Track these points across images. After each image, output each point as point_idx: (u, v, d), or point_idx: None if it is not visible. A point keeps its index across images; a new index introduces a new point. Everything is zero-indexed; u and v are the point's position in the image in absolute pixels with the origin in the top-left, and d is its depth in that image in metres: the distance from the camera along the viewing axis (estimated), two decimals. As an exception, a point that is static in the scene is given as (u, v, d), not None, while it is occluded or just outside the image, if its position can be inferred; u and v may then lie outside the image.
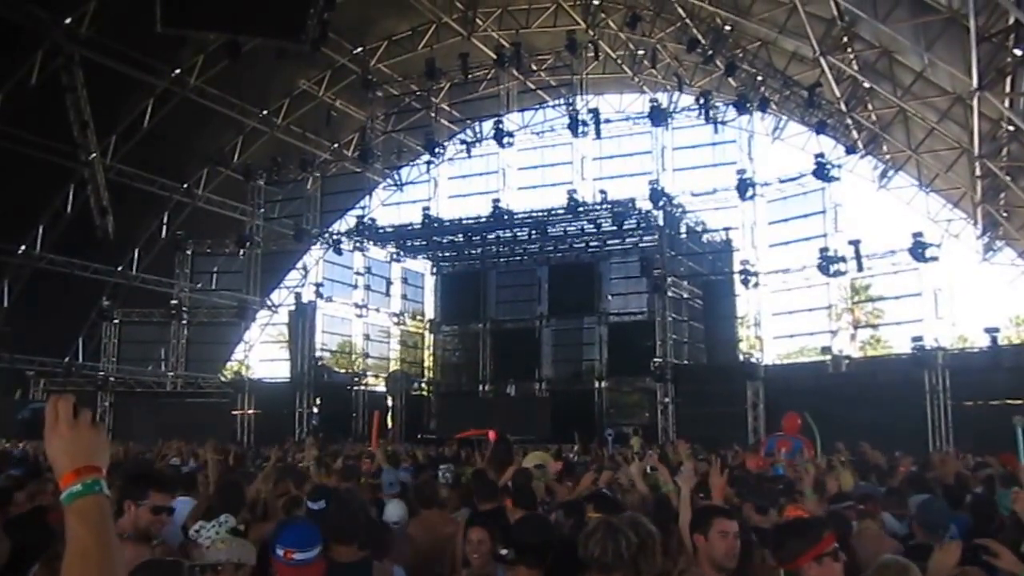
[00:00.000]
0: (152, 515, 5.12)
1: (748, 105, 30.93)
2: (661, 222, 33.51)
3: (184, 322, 38.39)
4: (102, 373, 35.91)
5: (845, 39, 26.54)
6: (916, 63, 25.50)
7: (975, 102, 23.39)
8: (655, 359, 32.70)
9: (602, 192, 34.34)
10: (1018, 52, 20.46)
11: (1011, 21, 19.39)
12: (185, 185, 37.10)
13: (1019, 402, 27.14)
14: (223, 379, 40.03)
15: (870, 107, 30.41)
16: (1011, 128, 24.21)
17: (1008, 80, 21.97)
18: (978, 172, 27.59)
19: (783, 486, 8.54)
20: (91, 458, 2.18)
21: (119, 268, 36.14)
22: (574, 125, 32.96)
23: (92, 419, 2.25)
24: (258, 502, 7.98)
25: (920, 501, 7.58)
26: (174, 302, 37.73)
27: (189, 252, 38.45)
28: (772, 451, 11.78)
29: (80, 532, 2.08)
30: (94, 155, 30.85)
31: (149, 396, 35.80)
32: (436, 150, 36.01)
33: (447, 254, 42.54)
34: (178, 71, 32.57)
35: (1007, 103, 22.73)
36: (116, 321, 37.00)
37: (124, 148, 33.23)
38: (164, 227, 38.14)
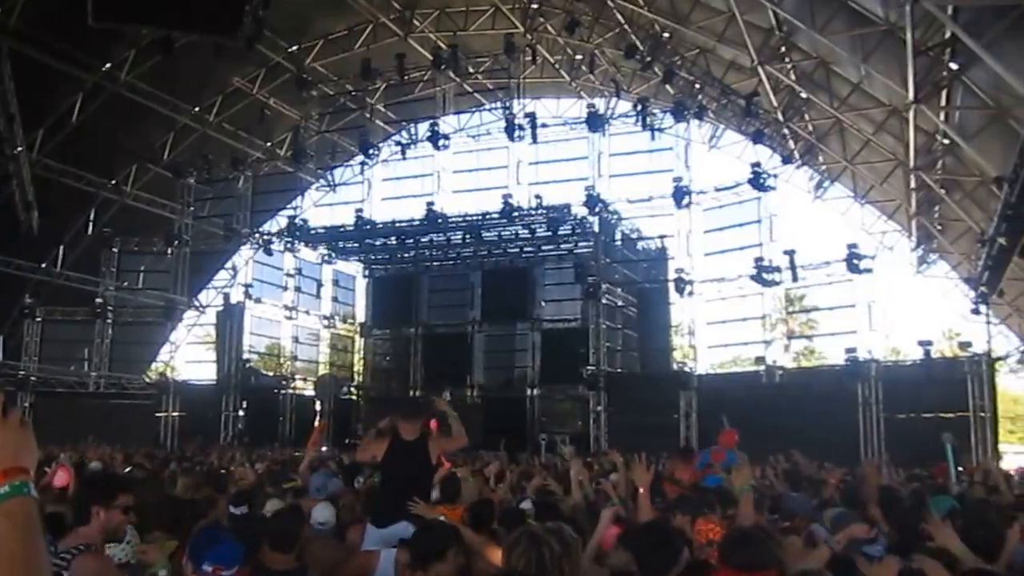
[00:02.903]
0: (123, 515, 5.10)
1: (685, 113, 31.16)
2: (596, 228, 33.62)
3: (109, 321, 37.83)
4: (22, 372, 35.30)
5: (783, 49, 26.87)
6: (853, 74, 25.87)
7: (911, 115, 23.73)
8: (588, 367, 32.77)
9: (537, 197, 34.32)
10: (954, 66, 20.79)
11: (947, 35, 19.71)
12: (113, 182, 36.60)
13: (951, 415, 27.72)
14: (147, 380, 39.50)
15: (807, 117, 30.75)
16: (946, 141, 24.61)
17: (944, 93, 22.33)
18: (913, 184, 28.00)
19: (718, 497, 8.55)
20: (18, 459, 2.18)
21: (43, 265, 35.58)
22: (510, 129, 32.99)
23: (20, 420, 2.25)
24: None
25: (835, 514, 7.66)
26: (99, 301, 37.22)
27: (116, 250, 37.88)
28: (706, 462, 11.82)
29: (7, 534, 2.06)
30: (20, 149, 30.38)
31: (70, 397, 35.22)
32: (370, 151, 35.95)
33: (379, 257, 42.22)
34: (108, 66, 32.16)
35: (942, 116, 23.11)
36: (39, 319, 36.50)
37: (51, 143, 32.74)
38: (91, 224, 37.62)
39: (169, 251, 37.95)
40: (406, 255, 41.32)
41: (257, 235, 38.83)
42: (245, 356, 37.81)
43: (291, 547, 5.79)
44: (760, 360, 33.12)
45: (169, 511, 6.97)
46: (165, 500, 7.75)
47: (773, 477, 12.64)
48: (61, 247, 36.31)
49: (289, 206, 41.57)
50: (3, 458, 2.16)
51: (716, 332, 35.65)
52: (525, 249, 38.56)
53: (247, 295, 38.40)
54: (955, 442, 12.15)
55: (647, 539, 5.19)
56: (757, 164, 31.16)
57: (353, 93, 36.79)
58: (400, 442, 8.68)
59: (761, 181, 30.97)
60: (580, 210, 33.07)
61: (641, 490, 6.97)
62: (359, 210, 37.16)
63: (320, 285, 41.82)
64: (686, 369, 34.00)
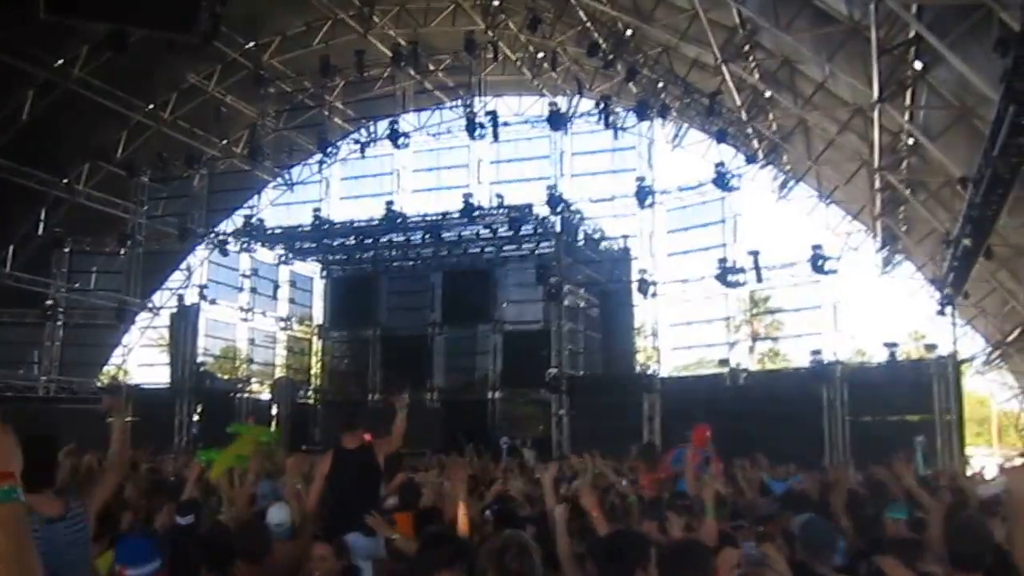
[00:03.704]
0: None
1: (648, 111, 31.27)
2: (559, 228, 33.60)
3: (60, 324, 37.52)
4: (-30, 376, 35.01)
5: (747, 47, 26.95)
6: (817, 74, 26.04)
7: (875, 114, 23.86)
8: (550, 369, 32.77)
9: (499, 196, 34.32)
10: (918, 65, 20.97)
11: (912, 34, 19.88)
12: (65, 180, 36.36)
13: (917, 418, 27.94)
14: (99, 384, 39.24)
15: (771, 116, 30.89)
16: (911, 141, 24.78)
17: (908, 93, 22.51)
18: (878, 185, 28.16)
19: (689, 503, 8.54)
20: (5, 464, 2.24)
21: (-9, 265, 35.39)
22: (471, 127, 33.02)
23: (2, 427, 2.29)
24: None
25: (803, 521, 7.67)
26: (49, 303, 36.94)
27: (67, 250, 37.64)
28: (679, 462, 11.79)
29: None
30: (-32, 147, 30.35)
31: (18, 401, 34.82)
32: (329, 150, 35.94)
33: (338, 257, 42.03)
34: (61, 62, 31.97)
35: (907, 116, 23.27)
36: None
37: (1, 140, 32.53)
38: (41, 223, 37.35)
39: (122, 251, 37.72)
40: (365, 255, 41.11)
41: (212, 235, 38.58)
42: (200, 359, 37.37)
43: (262, 556, 5.80)
44: (724, 362, 33.20)
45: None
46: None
47: (743, 481, 12.66)
48: (11, 247, 36.00)
49: (245, 205, 41.34)
50: None
51: (680, 334, 35.82)
52: (486, 249, 38.49)
53: (202, 296, 37.91)
54: (927, 448, 12.22)
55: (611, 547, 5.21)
56: (721, 164, 31.31)
57: (311, 91, 36.75)
58: (343, 452, 8.79)
59: (725, 181, 31.12)
60: (542, 210, 33.08)
61: (595, 513, 6.96)
62: (317, 209, 37.05)
63: (277, 286, 41.49)
64: (649, 371, 34.10)
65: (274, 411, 38.38)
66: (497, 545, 5.02)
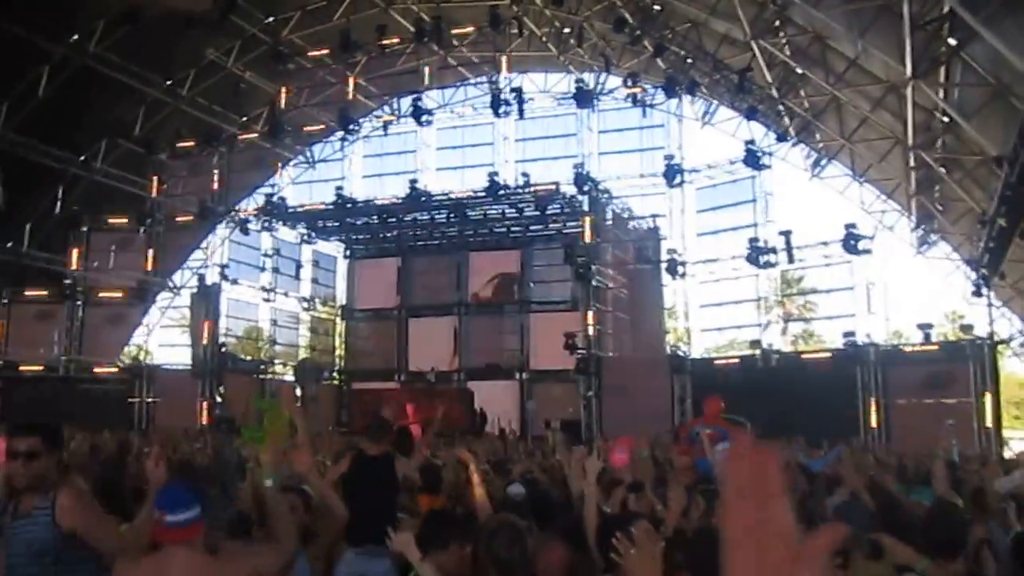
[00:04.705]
0: None
1: (677, 88, 31.21)
2: (586, 208, 33.67)
3: (79, 303, 37.80)
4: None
5: (777, 23, 26.97)
6: (849, 50, 25.95)
7: (909, 91, 23.85)
8: (579, 351, 32.87)
9: (524, 175, 34.38)
10: (952, 41, 20.93)
11: (945, 9, 19.84)
12: (82, 157, 36.55)
13: (953, 401, 27.89)
14: (120, 364, 39.48)
15: (802, 93, 30.85)
16: (945, 119, 24.71)
17: (942, 70, 22.46)
18: (912, 163, 28.13)
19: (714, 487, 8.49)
20: None
21: (9, 244, 35.51)
22: (496, 104, 33.01)
23: None
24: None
25: (837, 504, 7.76)
26: (68, 282, 37.23)
27: (85, 229, 37.89)
28: (694, 440, 11.69)
29: None
30: (-16, 123, 30.51)
31: (38, 382, 35.12)
32: (351, 127, 35.97)
33: (361, 237, 42.23)
34: (76, 37, 32.08)
35: (941, 93, 23.24)
36: (5, 301, 36.43)
37: (17, 117, 32.68)
38: (59, 202, 37.55)
39: (141, 230, 37.92)
40: (389, 235, 41.23)
41: (233, 214, 38.71)
42: (222, 340, 37.43)
43: None
44: (756, 344, 33.25)
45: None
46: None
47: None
48: (28, 226, 36.21)
49: (266, 184, 41.42)
50: None
51: (711, 315, 35.86)
52: (512, 229, 38.56)
53: (223, 276, 37.95)
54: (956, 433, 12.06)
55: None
56: (751, 142, 31.30)
57: (332, 66, 36.75)
58: (365, 458, 8.96)
59: (756, 159, 31.09)
60: (569, 189, 33.15)
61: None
62: (339, 188, 37.14)
63: (299, 266, 41.62)
64: (680, 353, 34.15)
65: (298, 392, 38.49)
66: (489, 529, 5.15)
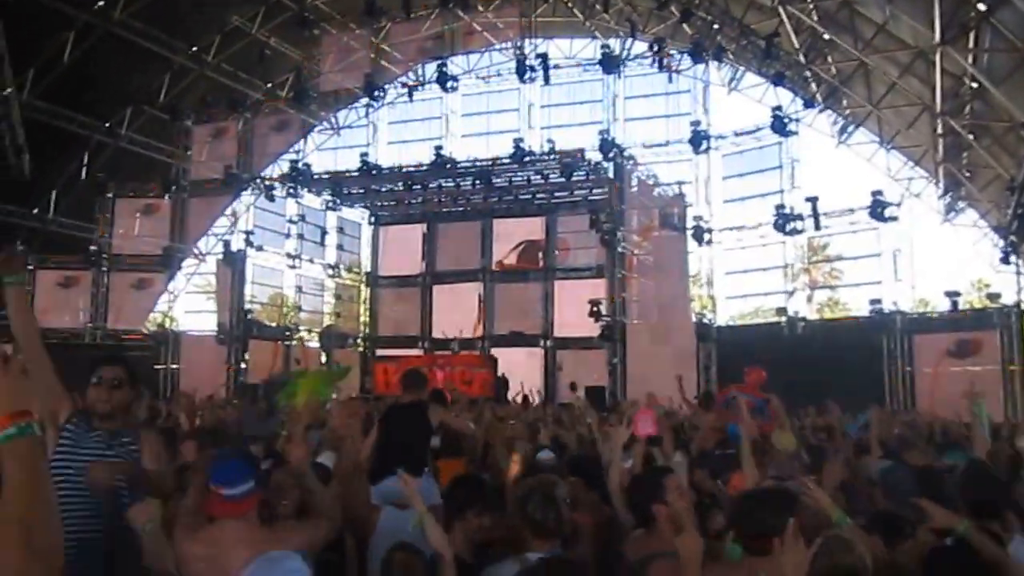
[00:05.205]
0: None
1: (703, 54, 31.23)
2: (612, 174, 33.78)
3: (104, 270, 38.15)
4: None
5: (805, -12, 26.95)
6: (878, 15, 25.98)
7: (937, 57, 23.87)
8: (604, 318, 33.03)
9: (550, 141, 34.38)
10: (982, 6, 20.94)
11: (975, -25, 19.87)
12: (108, 124, 36.84)
13: (979, 369, 27.94)
14: (146, 331, 39.84)
15: (830, 59, 30.84)
16: (974, 85, 24.72)
17: (972, 35, 22.46)
18: (940, 130, 28.13)
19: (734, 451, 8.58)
20: (22, 403, 2.57)
21: (35, 211, 35.86)
22: (522, 70, 33.09)
23: (22, 368, 2.64)
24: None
25: (884, 468, 7.87)
26: (93, 248, 37.56)
27: (111, 196, 38.20)
28: (730, 404, 11.75)
29: (15, 470, 2.46)
30: (9, 90, 30.59)
31: (62, 348, 35.22)
32: (376, 93, 36.07)
33: (386, 203, 42.37)
34: (101, 3, 32.26)
35: (970, 59, 23.24)
36: (30, 267, 36.69)
37: (42, 84, 32.91)
38: (84, 169, 37.86)
39: (166, 196, 38.23)
40: (413, 201, 41.35)
41: (258, 180, 38.92)
42: (247, 306, 37.64)
43: None
44: (782, 311, 33.37)
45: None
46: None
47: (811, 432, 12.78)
48: (53, 193, 36.49)
49: (291, 150, 41.53)
50: (8, 403, 2.55)
51: (736, 282, 35.93)
52: (537, 196, 38.66)
53: (248, 243, 38.11)
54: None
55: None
56: (778, 108, 31.33)
57: (357, 32, 36.80)
58: (398, 405, 9.18)
59: (783, 125, 31.13)
60: (594, 155, 33.23)
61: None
62: (364, 154, 37.18)
63: (324, 232, 41.69)
64: (705, 320, 34.27)
65: (323, 359, 38.72)
66: (522, 491, 5.33)
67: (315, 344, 40.32)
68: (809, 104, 32.05)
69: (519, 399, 24.57)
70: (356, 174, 36.75)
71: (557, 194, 38.17)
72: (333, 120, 41.92)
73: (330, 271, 42.41)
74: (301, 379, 10.00)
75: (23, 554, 2.37)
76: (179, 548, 5.10)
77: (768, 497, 4.96)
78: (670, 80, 34.09)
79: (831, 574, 4.18)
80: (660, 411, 11.58)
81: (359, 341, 43.24)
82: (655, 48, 32.36)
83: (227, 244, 38.45)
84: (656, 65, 32.96)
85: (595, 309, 32.77)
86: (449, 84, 34.38)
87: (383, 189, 39.51)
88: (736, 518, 4.83)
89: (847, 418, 16.43)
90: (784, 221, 31.50)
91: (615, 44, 34.62)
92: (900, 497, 6.59)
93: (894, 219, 30.33)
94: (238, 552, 4.76)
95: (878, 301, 30.66)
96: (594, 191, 36.51)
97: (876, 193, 30.04)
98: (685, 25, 31.08)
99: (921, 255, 67.22)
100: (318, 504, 5.74)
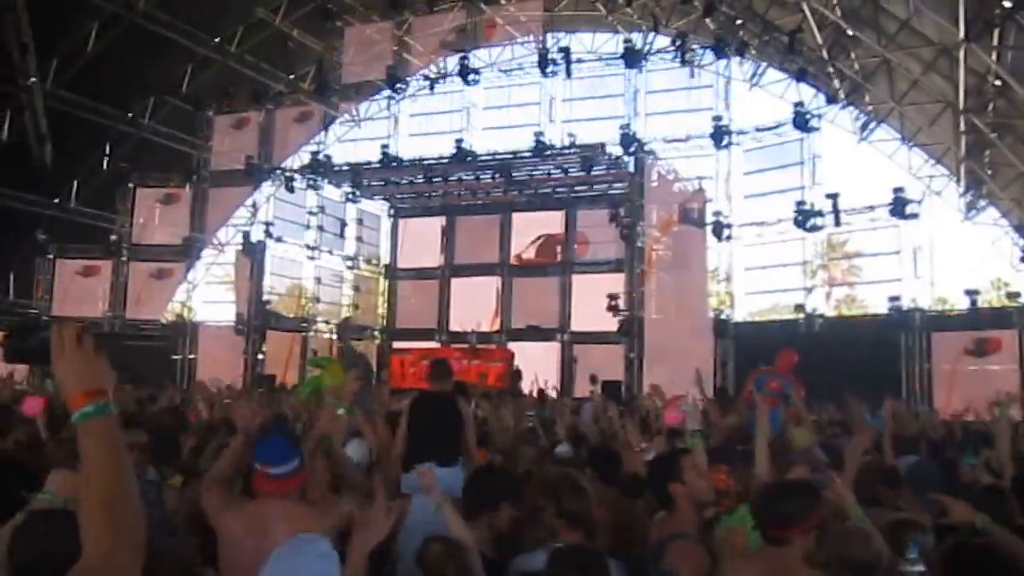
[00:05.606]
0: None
1: (726, 49, 31.27)
2: (632, 169, 33.79)
3: (124, 259, 38.36)
4: (33, 311, 35.78)
5: (828, -17, 26.96)
6: (901, 11, 25.99)
7: (961, 54, 23.89)
8: (622, 312, 33.06)
9: (571, 135, 34.45)
10: (1007, 3, 20.97)
11: (1000, -29, 19.91)
12: (130, 114, 37.01)
13: (998, 368, 27.92)
14: (164, 321, 40.04)
15: (853, 56, 30.80)
16: (998, 83, 24.73)
17: (996, 32, 22.49)
18: (962, 127, 28.11)
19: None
20: (98, 382, 2.65)
21: (56, 200, 36.02)
22: (543, 64, 33.19)
23: (96, 346, 2.74)
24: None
25: (912, 463, 7.94)
26: (114, 238, 37.75)
27: (132, 186, 38.39)
28: (760, 387, 11.71)
29: (94, 448, 2.54)
30: (33, 80, 30.81)
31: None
32: (397, 85, 36.14)
33: (405, 195, 42.26)
34: (125, -7, 32.39)
35: (994, 56, 23.26)
36: (51, 256, 36.92)
37: (66, 73, 33.07)
38: (106, 159, 38.05)
39: (187, 187, 38.39)
40: (433, 194, 41.28)
41: (279, 171, 39.03)
42: (265, 297, 37.78)
43: None
44: (800, 308, 33.34)
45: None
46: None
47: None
48: (75, 182, 36.66)
49: (312, 141, 41.55)
50: (85, 382, 2.64)
51: (755, 278, 35.87)
52: (558, 189, 38.68)
53: (268, 234, 38.29)
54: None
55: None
56: (800, 104, 31.33)
57: (379, 24, 36.87)
58: (426, 394, 9.26)
59: (804, 121, 31.12)
60: (615, 149, 33.27)
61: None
62: (385, 146, 37.24)
63: (344, 224, 41.80)
64: (723, 316, 34.29)
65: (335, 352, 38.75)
66: (551, 482, 5.43)
67: (333, 335, 40.42)
68: (831, 100, 32.04)
69: (535, 393, 24.67)
70: (376, 166, 36.85)
71: (577, 188, 38.20)
72: (354, 112, 41.93)
73: (349, 263, 42.38)
74: (327, 367, 10.11)
75: (112, 533, 2.45)
76: (217, 521, 5.25)
77: (790, 489, 5.05)
78: (692, 75, 34.09)
79: (846, 564, 4.30)
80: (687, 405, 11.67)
81: (377, 333, 43.24)
82: (677, 43, 32.42)
83: (247, 235, 38.54)
84: (678, 60, 32.98)
85: (613, 303, 32.78)
86: (471, 77, 34.55)
87: (403, 181, 39.42)
88: (758, 509, 4.87)
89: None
90: (804, 217, 31.48)
91: (637, 39, 34.67)
92: (925, 493, 6.58)
93: (915, 216, 30.24)
94: (282, 528, 4.95)
95: (897, 298, 30.56)
96: (614, 185, 36.50)
97: (897, 190, 29.97)
98: (708, 20, 31.10)
99: (941, 253, 67.03)
100: (350, 480, 5.89)
